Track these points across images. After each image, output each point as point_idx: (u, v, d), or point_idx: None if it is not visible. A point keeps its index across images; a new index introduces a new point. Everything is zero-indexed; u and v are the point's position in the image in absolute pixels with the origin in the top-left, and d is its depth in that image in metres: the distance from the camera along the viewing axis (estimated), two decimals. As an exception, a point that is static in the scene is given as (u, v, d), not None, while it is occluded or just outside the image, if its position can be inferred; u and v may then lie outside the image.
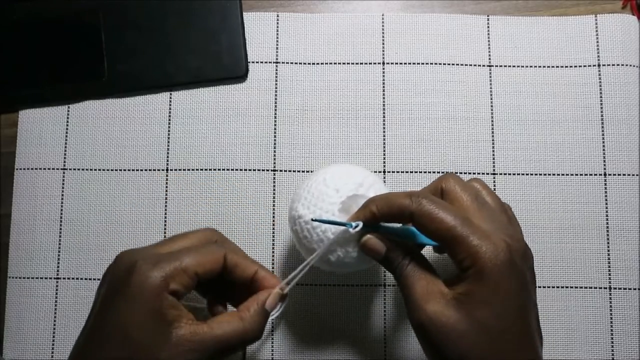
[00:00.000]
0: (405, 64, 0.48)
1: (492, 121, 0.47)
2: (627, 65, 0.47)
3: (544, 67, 0.47)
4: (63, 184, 0.47)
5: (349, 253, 0.36)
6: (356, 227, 0.33)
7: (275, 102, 0.48)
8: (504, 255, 0.29)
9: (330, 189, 0.36)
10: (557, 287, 0.45)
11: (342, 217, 0.35)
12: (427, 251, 0.38)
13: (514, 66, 0.47)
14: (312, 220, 0.35)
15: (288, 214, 0.39)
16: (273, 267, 0.46)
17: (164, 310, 0.30)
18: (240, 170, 0.47)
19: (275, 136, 0.47)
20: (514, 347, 0.29)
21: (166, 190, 0.47)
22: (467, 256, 0.29)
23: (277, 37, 0.48)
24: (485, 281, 0.29)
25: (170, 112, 0.48)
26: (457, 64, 0.48)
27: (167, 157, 0.47)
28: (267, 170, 0.47)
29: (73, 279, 0.46)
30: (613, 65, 0.47)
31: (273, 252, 0.46)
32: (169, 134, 0.48)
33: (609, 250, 0.45)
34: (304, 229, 0.36)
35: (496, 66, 0.48)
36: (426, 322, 0.29)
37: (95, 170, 0.47)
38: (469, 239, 0.29)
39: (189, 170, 0.47)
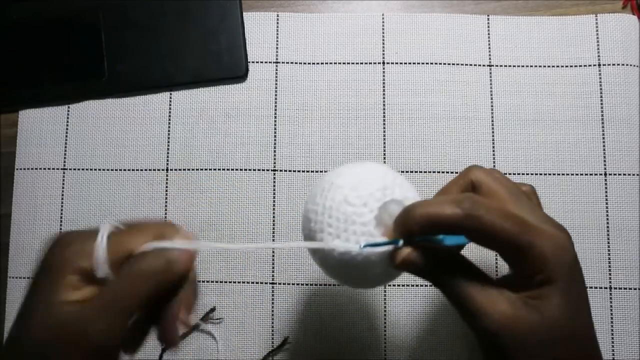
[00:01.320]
0: (405, 63, 0.48)
1: (492, 121, 0.47)
2: (627, 65, 0.47)
3: (544, 67, 0.47)
4: (63, 184, 0.47)
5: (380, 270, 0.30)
6: (402, 243, 0.28)
7: (275, 102, 0.48)
8: (570, 253, 0.27)
9: (358, 206, 0.29)
10: (557, 287, 0.45)
11: (378, 233, 0.29)
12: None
13: (514, 66, 0.47)
14: (363, 247, 0.28)
15: (310, 250, 0.31)
16: (273, 267, 0.46)
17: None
18: (240, 170, 0.47)
19: (275, 136, 0.47)
20: (588, 351, 0.28)
21: (166, 190, 0.47)
22: (534, 265, 0.26)
23: (277, 37, 0.48)
24: (555, 283, 0.26)
25: (170, 112, 0.48)
26: (457, 64, 0.48)
27: (167, 157, 0.47)
28: (267, 170, 0.47)
29: (73, 279, 0.46)
30: (613, 65, 0.47)
31: (273, 251, 0.46)
32: (169, 134, 0.48)
33: (609, 250, 0.45)
34: (342, 261, 0.29)
35: (496, 66, 0.48)
36: (497, 329, 0.26)
37: (95, 170, 0.47)
38: (535, 246, 0.26)
39: (189, 170, 0.47)
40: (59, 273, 0.27)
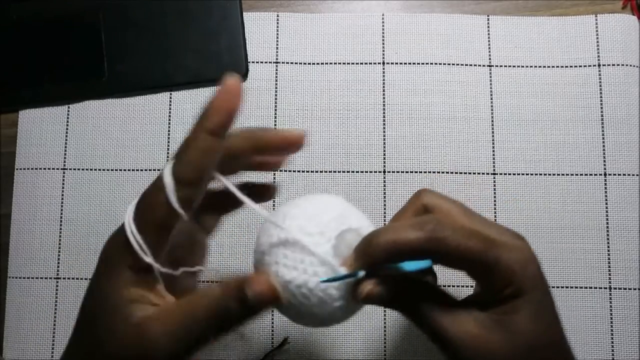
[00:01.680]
0: (405, 64, 0.48)
1: (492, 121, 0.47)
2: (627, 65, 0.47)
3: (544, 67, 0.47)
4: (63, 184, 0.47)
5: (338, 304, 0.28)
6: (363, 274, 0.27)
7: (275, 102, 0.48)
8: (534, 263, 0.27)
9: (314, 235, 0.27)
10: (557, 287, 0.45)
11: (336, 264, 0.27)
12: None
13: (514, 66, 0.47)
14: (322, 282, 0.27)
15: None
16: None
17: (117, 291, 0.26)
18: (240, 170, 0.47)
19: (275, 136, 0.47)
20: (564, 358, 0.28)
21: (166, 190, 0.47)
22: (503, 280, 0.26)
23: (277, 37, 0.48)
24: (525, 295, 0.26)
25: (170, 112, 0.48)
26: (457, 64, 0.48)
27: (167, 157, 0.47)
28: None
29: (73, 279, 0.46)
30: (613, 65, 0.47)
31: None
32: (169, 134, 0.48)
33: (609, 250, 0.45)
34: (299, 294, 0.27)
35: (496, 66, 0.48)
36: (469, 355, 0.26)
37: (95, 170, 0.47)
38: (501, 261, 0.26)
39: (189, 170, 0.47)
40: (115, 267, 0.27)
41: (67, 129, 0.48)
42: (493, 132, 0.47)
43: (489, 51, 0.48)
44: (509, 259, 0.26)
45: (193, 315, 0.25)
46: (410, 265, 0.27)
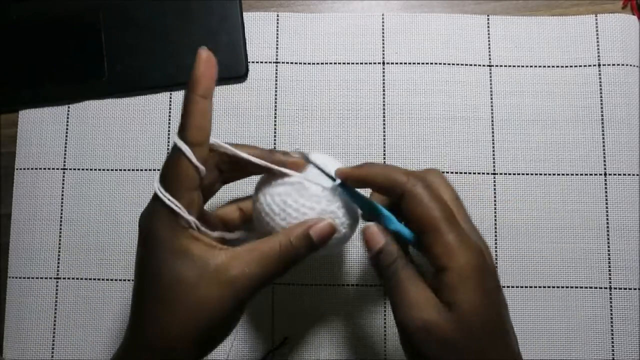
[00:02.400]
0: (405, 64, 0.48)
1: (492, 121, 0.47)
2: (627, 65, 0.47)
3: (544, 67, 0.47)
4: (63, 184, 0.47)
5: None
6: (337, 183, 0.32)
7: (275, 102, 0.48)
8: (481, 259, 0.29)
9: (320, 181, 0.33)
10: (557, 287, 0.45)
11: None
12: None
13: (514, 66, 0.47)
14: (314, 164, 0.33)
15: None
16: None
17: (181, 246, 0.30)
18: (240, 170, 0.47)
19: (275, 136, 0.47)
20: (498, 351, 0.29)
21: (166, 190, 0.47)
22: (443, 253, 0.29)
23: (277, 37, 0.48)
24: (467, 286, 0.28)
25: (170, 112, 0.48)
26: (457, 64, 0.48)
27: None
28: (267, 170, 0.47)
29: (73, 279, 0.46)
30: (613, 65, 0.47)
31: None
32: (169, 134, 0.48)
33: (609, 250, 0.45)
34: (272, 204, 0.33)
35: (496, 66, 0.48)
36: (419, 331, 0.29)
37: (95, 170, 0.47)
38: (450, 235, 0.29)
39: (189, 170, 0.47)
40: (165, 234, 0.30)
41: (67, 129, 0.48)
42: (493, 132, 0.47)
43: (489, 51, 0.48)
44: (458, 242, 0.29)
45: (267, 259, 0.30)
46: (396, 225, 0.32)
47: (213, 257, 0.30)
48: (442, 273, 0.29)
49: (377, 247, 0.31)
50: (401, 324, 0.30)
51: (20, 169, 0.47)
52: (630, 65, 0.47)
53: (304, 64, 0.48)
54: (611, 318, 0.44)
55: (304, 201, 0.33)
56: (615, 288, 0.45)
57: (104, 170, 0.47)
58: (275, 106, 0.48)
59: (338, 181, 0.33)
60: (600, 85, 0.47)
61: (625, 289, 0.45)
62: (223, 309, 0.30)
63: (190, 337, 0.30)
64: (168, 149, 0.47)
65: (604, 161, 0.46)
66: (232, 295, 0.30)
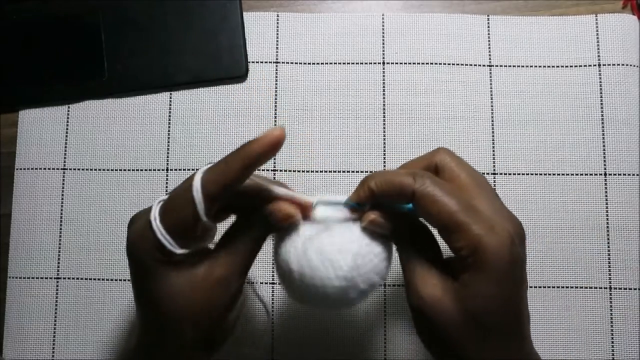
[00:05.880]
0: (405, 64, 0.48)
1: (492, 121, 0.47)
2: (627, 65, 0.47)
3: (544, 67, 0.47)
4: (63, 184, 0.47)
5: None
6: (362, 207, 0.30)
7: (275, 102, 0.48)
8: (507, 250, 0.28)
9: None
10: (557, 287, 0.45)
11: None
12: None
13: (514, 66, 0.47)
14: (316, 203, 0.31)
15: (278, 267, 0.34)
16: (273, 268, 0.45)
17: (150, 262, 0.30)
18: (240, 170, 0.47)
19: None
20: (506, 344, 0.29)
21: (166, 190, 0.47)
22: (466, 245, 0.28)
23: (277, 37, 0.48)
24: (485, 275, 0.28)
25: (170, 112, 0.48)
26: (457, 64, 0.48)
27: (167, 157, 0.47)
28: (267, 170, 0.47)
29: (73, 279, 0.46)
30: (613, 65, 0.47)
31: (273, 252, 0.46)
32: (169, 134, 0.48)
33: (609, 250, 0.45)
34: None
35: (496, 66, 0.48)
36: (424, 308, 0.29)
37: (95, 170, 0.47)
38: (472, 228, 0.28)
39: (189, 170, 0.47)
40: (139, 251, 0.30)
41: (67, 129, 0.48)
42: (493, 132, 0.47)
43: (489, 51, 0.48)
44: (481, 233, 0.28)
45: (242, 252, 0.32)
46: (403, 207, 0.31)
47: (198, 269, 0.31)
48: (465, 269, 0.28)
49: (386, 231, 0.31)
50: (410, 302, 0.30)
51: (20, 169, 0.47)
52: (630, 65, 0.47)
53: (304, 64, 0.48)
54: (611, 318, 0.44)
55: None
56: (615, 288, 0.45)
57: (104, 170, 0.47)
58: (275, 106, 0.48)
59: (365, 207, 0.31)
60: (600, 85, 0.47)
61: (625, 289, 0.45)
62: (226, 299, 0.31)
63: (202, 341, 0.31)
64: (168, 149, 0.47)
65: (604, 161, 0.46)
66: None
